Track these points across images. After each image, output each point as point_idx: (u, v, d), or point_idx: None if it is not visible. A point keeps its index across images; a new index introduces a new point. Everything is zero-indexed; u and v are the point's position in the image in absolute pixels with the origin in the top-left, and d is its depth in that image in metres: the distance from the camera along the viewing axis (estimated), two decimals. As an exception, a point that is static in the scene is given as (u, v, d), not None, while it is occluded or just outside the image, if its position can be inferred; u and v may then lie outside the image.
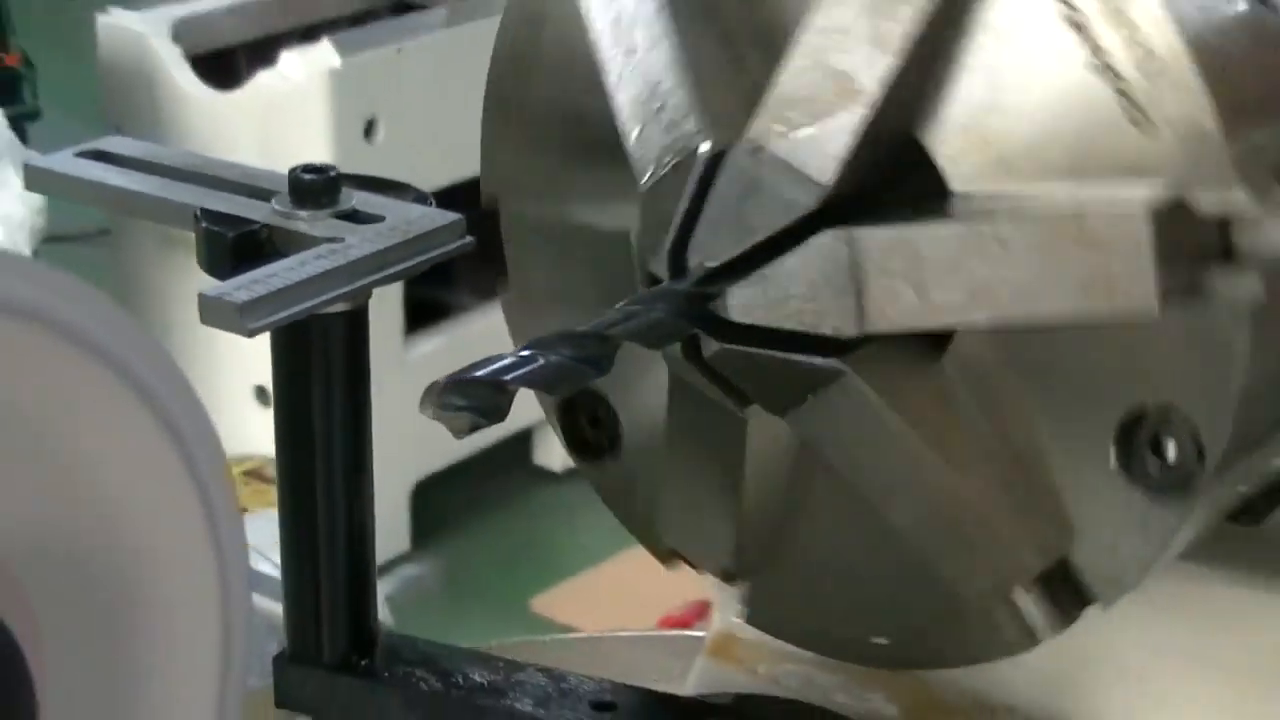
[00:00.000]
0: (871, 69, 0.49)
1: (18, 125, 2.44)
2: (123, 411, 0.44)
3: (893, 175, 0.51)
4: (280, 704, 0.66)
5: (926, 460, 0.51)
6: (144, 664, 0.47)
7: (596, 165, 0.57)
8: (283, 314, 0.53)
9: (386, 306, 2.12)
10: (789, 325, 0.50)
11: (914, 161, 0.50)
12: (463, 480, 2.41)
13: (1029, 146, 0.48)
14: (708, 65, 0.54)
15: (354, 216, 0.59)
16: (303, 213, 0.59)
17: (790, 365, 0.51)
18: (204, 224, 0.58)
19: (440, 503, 2.42)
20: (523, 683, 0.62)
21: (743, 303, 0.51)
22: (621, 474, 0.62)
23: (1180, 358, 0.48)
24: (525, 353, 0.47)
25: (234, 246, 0.58)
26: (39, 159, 0.64)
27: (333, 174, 0.60)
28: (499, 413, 0.45)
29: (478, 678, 0.63)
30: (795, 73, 0.50)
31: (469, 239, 0.60)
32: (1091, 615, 0.52)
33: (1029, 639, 0.53)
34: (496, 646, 0.80)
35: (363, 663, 0.64)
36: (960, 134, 0.50)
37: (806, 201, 0.49)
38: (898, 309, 0.49)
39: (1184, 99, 0.46)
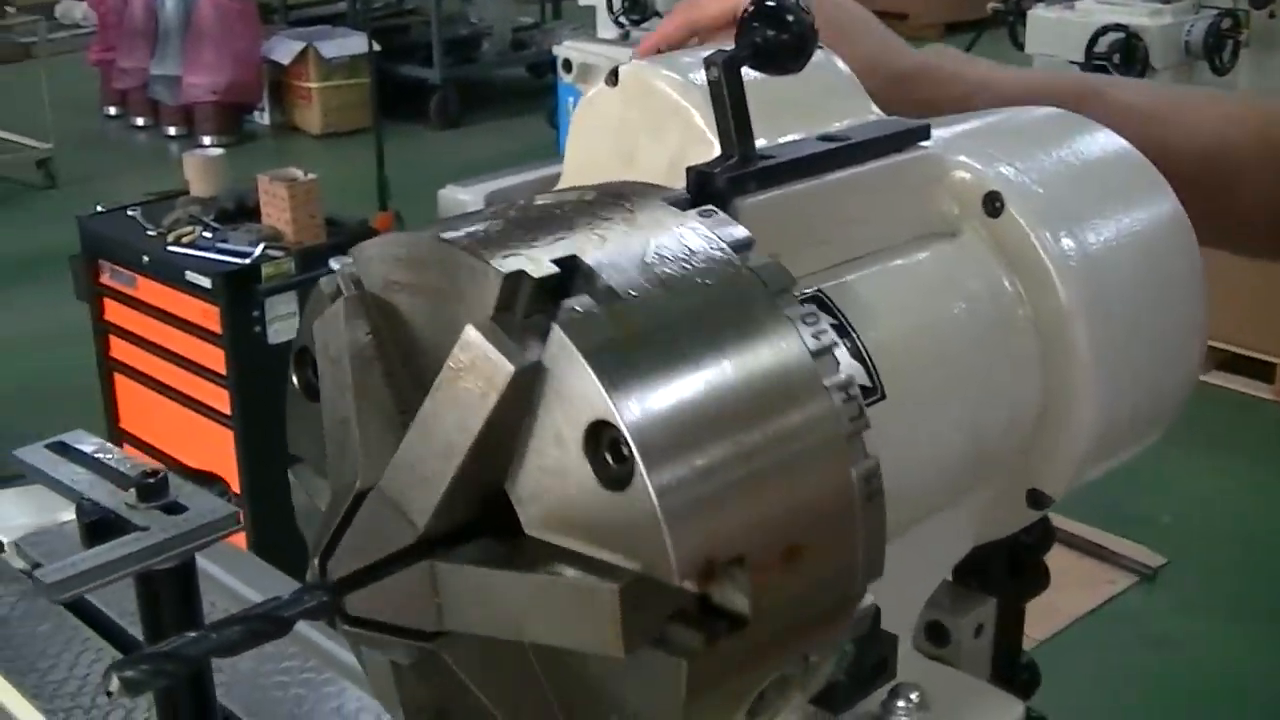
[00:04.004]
0: (461, 439, 0.61)
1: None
2: None
3: (493, 511, 0.63)
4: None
5: (489, 706, 0.69)
6: None
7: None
8: (83, 588, 0.86)
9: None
10: (391, 620, 0.65)
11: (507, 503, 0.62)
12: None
13: (565, 512, 0.61)
14: (376, 419, 0.66)
15: (171, 508, 0.91)
16: (139, 505, 0.92)
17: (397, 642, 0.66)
18: (78, 510, 0.92)
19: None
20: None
21: (360, 604, 0.65)
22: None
23: (641, 680, 0.62)
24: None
25: (89, 528, 0.91)
26: (23, 451, 0.99)
27: (163, 474, 0.92)
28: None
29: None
30: (412, 440, 0.63)
31: (240, 524, 0.91)
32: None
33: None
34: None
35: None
36: (530, 492, 0.62)
37: (407, 538, 0.63)
38: (461, 618, 0.64)
39: (650, 532, 0.58)
